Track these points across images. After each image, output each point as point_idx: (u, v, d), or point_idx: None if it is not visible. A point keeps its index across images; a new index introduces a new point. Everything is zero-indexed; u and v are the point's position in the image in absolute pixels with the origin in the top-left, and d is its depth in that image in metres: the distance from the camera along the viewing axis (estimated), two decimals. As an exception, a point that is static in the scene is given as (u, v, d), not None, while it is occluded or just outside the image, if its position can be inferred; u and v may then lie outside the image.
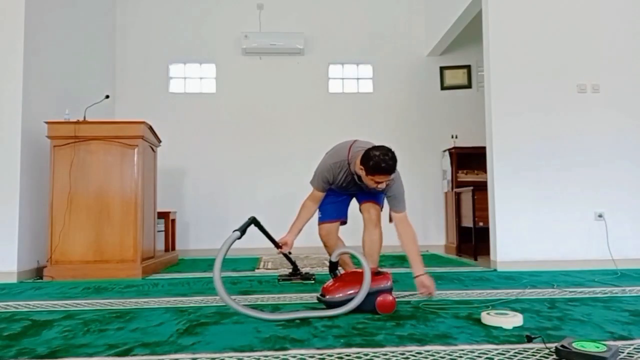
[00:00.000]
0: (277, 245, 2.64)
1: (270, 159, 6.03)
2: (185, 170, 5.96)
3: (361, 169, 2.47)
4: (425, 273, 2.59)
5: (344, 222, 3.01)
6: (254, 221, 2.45)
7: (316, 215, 2.94)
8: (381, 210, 2.87)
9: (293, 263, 3.61)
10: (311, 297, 2.83)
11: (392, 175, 2.47)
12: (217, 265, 2.21)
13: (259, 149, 6.03)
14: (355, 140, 2.74)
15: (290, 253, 3.07)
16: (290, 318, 2.20)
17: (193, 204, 5.91)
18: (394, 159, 2.41)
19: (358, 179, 2.59)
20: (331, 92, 6.20)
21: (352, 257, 2.86)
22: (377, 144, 2.58)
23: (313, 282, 3.43)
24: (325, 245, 2.96)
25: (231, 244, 2.27)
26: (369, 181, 2.47)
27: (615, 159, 4.20)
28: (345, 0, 6.27)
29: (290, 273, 3.58)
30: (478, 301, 2.59)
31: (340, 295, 2.34)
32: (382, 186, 2.47)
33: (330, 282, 2.47)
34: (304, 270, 3.81)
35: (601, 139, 4.21)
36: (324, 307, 2.38)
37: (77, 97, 4.55)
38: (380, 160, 2.38)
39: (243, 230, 2.35)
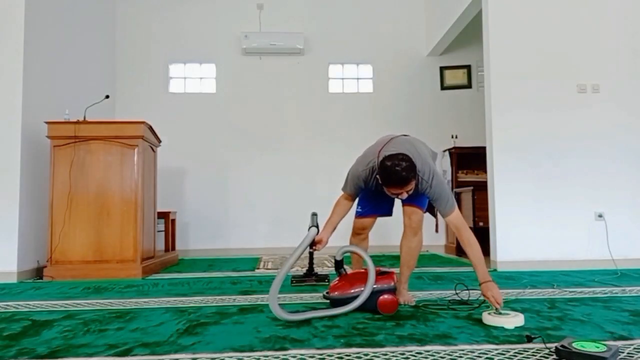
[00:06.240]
0: (312, 243, 2.41)
1: (269, 159, 6.02)
2: (185, 170, 5.95)
3: (377, 179, 2.27)
4: (490, 280, 2.25)
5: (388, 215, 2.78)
6: (316, 216, 2.45)
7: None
8: (424, 212, 2.64)
9: (311, 263, 3.52)
10: (311, 297, 2.83)
11: (411, 185, 2.19)
12: (288, 266, 2.21)
13: (259, 149, 6.02)
14: (390, 140, 2.44)
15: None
16: (312, 317, 2.22)
17: (193, 204, 5.91)
18: (408, 169, 2.13)
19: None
20: (331, 92, 6.20)
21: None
22: (413, 146, 2.37)
23: (328, 283, 3.30)
24: (352, 240, 2.75)
25: (310, 240, 2.33)
26: (387, 192, 2.24)
27: (615, 159, 4.20)
28: (345, 0, 6.27)
29: (304, 274, 3.49)
30: (478, 301, 2.59)
31: (346, 293, 2.35)
32: (402, 197, 2.24)
33: (336, 280, 2.48)
34: (317, 270, 3.63)
35: (601, 139, 4.20)
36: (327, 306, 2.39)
37: (77, 97, 4.54)
38: (391, 172, 2.13)
39: (317, 225, 2.38)
